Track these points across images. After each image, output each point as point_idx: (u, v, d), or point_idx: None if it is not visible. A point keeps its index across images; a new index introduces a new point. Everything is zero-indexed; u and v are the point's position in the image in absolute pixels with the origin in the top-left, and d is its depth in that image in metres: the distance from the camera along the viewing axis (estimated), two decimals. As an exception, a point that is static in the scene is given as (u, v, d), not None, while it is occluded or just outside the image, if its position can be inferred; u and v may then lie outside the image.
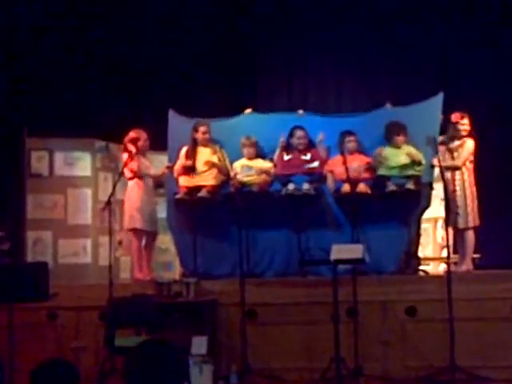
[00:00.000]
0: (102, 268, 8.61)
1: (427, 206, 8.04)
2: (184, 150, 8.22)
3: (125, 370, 6.12)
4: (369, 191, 7.83)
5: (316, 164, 8.11)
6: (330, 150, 8.17)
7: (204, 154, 8.17)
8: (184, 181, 8.15)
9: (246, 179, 8.10)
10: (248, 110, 8.50)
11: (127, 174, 8.20)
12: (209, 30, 10.19)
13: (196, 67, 10.08)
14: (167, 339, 6.62)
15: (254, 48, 10.45)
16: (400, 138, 7.92)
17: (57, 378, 3.74)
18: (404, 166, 7.84)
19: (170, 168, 8.26)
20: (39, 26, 9.66)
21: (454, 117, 7.98)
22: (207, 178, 8.14)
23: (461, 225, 7.80)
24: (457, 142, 7.99)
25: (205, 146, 8.22)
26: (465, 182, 7.83)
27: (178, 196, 8.14)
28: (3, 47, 9.43)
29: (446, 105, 8.02)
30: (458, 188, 7.82)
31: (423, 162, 7.82)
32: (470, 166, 7.90)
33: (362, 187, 7.78)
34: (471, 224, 7.81)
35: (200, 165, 8.15)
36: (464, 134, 7.94)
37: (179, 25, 10.07)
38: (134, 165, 8.17)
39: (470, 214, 7.76)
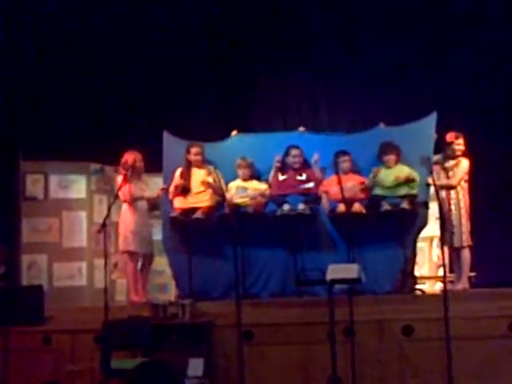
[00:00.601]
0: (97, 291, 8.60)
1: (424, 224, 8.04)
2: (178, 171, 8.23)
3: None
4: (364, 211, 7.83)
5: (311, 185, 8.13)
6: (325, 171, 8.18)
7: (199, 175, 8.18)
8: (179, 202, 8.15)
9: (240, 200, 8.10)
10: (234, 132, 8.53)
11: (122, 196, 8.18)
12: (204, 51, 10.21)
13: (191, 88, 10.09)
14: (164, 361, 6.64)
15: (250, 69, 10.48)
16: (392, 158, 7.95)
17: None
18: (397, 186, 7.85)
19: (165, 190, 8.26)
20: (34, 48, 9.70)
21: (449, 137, 8.04)
22: (202, 200, 8.14)
23: (456, 243, 7.82)
24: (452, 162, 8.03)
25: (199, 167, 8.23)
26: (460, 201, 7.86)
27: (172, 214, 8.13)
28: (-2, 70, 9.48)
29: (441, 124, 8.05)
30: (453, 207, 7.85)
31: (417, 178, 7.84)
32: (465, 185, 7.92)
33: (357, 207, 7.78)
34: (466, 243, 7.82)
35: (194, 186, 8.16)
36: (459, 153, 7.99)
37: (174, 46, 10.09)
38: (128, 187, 8.16)
39: (464, 232, 7.79)
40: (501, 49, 9.50)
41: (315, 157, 8.14)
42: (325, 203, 8.02)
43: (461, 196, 7.86)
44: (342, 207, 7.71)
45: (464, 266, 7.83)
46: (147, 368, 5.69)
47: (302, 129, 8.51)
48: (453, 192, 7.91)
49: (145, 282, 8.32)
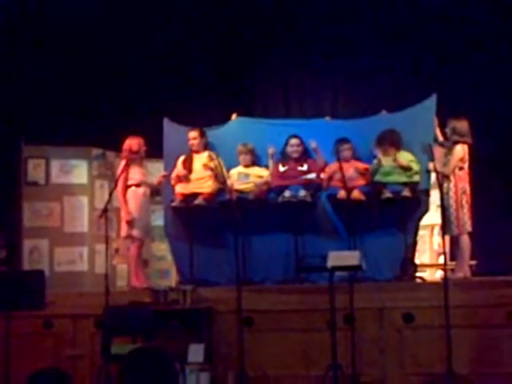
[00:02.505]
0: (98, 276, 8.61)
1: (425, 212, 8.03)
2: (181, 159, 8.23)
3: (119, 376, 6.13)
4: (363, 198, 7.83)
5: (313, 175, 8.11)
6: (327, 157, 8.18)
7: (200, 161, 8.18)
8: (180, 188, 8.16)
9: (242, 187, 8.10)
10: (234, 116, 8.51)
11: (123, 183, 8.16)
12: (206, 41, 10.20)
13: (192, 75, 10.08)
14: (157, 347, 6.64)
15: (252, 53, 10.46)
16: (390, 149, 7.92)
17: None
18: (397, 173, 7.84)
19: (166, 176, 8.26)
20: (36, 36, 9.68)
21: (451, 119, 7.97)
22: (203, 186, 8.15)
23: (453, 231, 7.78)
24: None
25: (198, 152, 8.23)
26: (450, 190, 7.79)
27: (173, 204, 8.14)
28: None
29: (446, 109, 8.04)
30: (447, 195, 7.77)
31: (415, 167, 7.83)
32: (460, 172, 7.83)
33: (356, 194, 7.77)
34: (456, 231, 7.76)
35: (196, 172, 8.16)
36: (456, 138, 7.88)
37: (174, 33, 10.08)
38: (132, 173, 8.16)
39: (454, 221, 7.72)
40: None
41: (312, 144, 8.12)
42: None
43: (451, 185, 7.79)
44: (342, 193, 7.70)
45: (464, 253, 7.79)
46: (141, 353, 5.69)
47: (328, 118, 8.52)
48: (446, 180, 7.85)
49: (142, 267, 8.33)
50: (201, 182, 8.17)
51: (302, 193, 7.92)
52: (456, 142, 7.85)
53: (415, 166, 7.88)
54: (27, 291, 6.75)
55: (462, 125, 7.87)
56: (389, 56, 9.80)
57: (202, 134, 8.29)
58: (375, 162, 8.00)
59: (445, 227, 7.30)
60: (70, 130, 9.35)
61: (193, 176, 8.17)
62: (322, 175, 8.12)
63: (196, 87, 10.01)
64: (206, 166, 8.10)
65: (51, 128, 9.40)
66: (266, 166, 8.26)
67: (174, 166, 8.26)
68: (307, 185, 8.03)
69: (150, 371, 5.43)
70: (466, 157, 7.86)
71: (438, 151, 8.01)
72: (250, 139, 8.32)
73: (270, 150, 8.17)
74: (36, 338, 7.46)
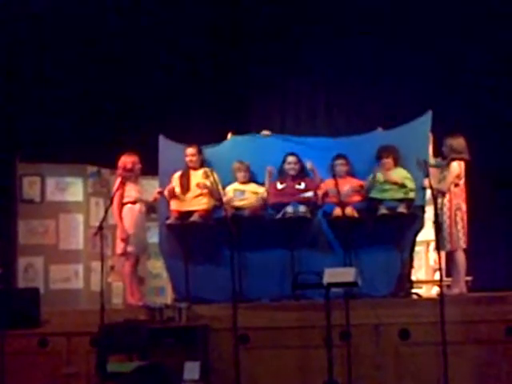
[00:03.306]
0: (93, 293, 8.59)
1: (420, 228, 8.03)
2: (178, 174, 8.23)
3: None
4: (356, 215, 7.83)
5: (310, 194, 8.11)
6: (323, 175, 8.19)
7: (195, 178, 8.18)
8: (176, 205, 8.15)
9: (239, 203, 8.10)
10: (229, 135, 8.53)
11: (118, 200, 8.15)
12: (201, 55, 10.23)
13: (188, 92, 10.11)
14: (160, 365, 6.62)
15: (247, 74, 10.51)
16: (388, 161, 7.96)
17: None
18: (393, 189, 7.85)
19: (162, 193, 8.26)
20: (31, 50, 9.70)
21: (447, 138, 7.99)
22: (199, 203, 8.15)
23: (447, 247, 7.79)
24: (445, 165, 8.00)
25: (195, 169, 8.24)
26: (444, 205, 7.79)
27: (169, 221, 8.14)
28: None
29: (442, 126, 8.05)
30: (439, 211, 7.77)
31: (409, 185, 7.84)
32: (456, 189, 7.84)
33: (348, 211, 7.77)
34: (449, 247, 7.75)
35: (192, 189, 8.16)
36: (453, 155, 7.91)
37: (171, 50, 10.11)
38: (127, 190, 8.16)
39: (447, 237, 7.72)
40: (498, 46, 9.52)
41: (308, 165, 8.14)
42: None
43: (446, 201, 7.80)
44: (338, 211, 7.71)
45: (459, 269, 7.78)
46: (143, 372, 5.65)
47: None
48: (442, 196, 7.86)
49: (138, 284, 8.32)
50: (197, 199, 8.16)
51: (303, 209, 7.93)
52: (453, 159, 7.87)
53: (409, 184, 7.88)
54: (22, 309, 6.74)
55: (459, 142, 7.90)
56: (383, 73, 9.85)
57: (200, 151, 8.31)
58: (370, 178, 8.01)
59: (438, 243, 7.30)
60: (64, 148, 9.36)
61: (189, 193, 8.16)
62: (318, 192, 8.13)
63: (191, 104, 10.03)
64: (199, 186, 8.09)
65: (46, 145, 9.40)
66: (262, 184, 8.26)
67: (169, 182, 8.26)
68: (305, 203, 8.03)
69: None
70: (463, 173, 7.88)
71: (433, 168, 8.03)
72: (245, 156, 8.33)
73: (269, 169, 8.17)
74: (31, 356, 7.43)
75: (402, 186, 7.86)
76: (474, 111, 9.48)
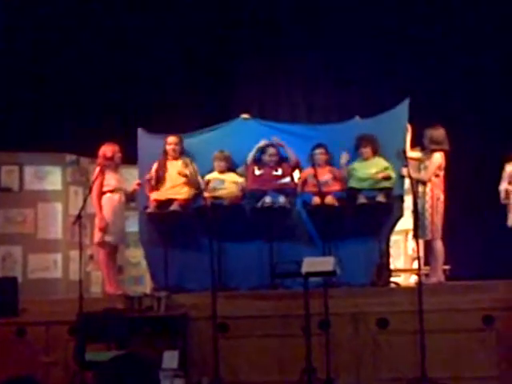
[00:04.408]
0: (72, 283, 8.57)
1: (399, 217, 8.06)
2: (155, 165, 8.21)
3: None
4: (336, 203, 7.84)
5: (287, 180, 8.14)
6: (302, 162, 8.20)
7: (175, 167, 8.17)
8: (155, 194, 8.13)
9: (217, 193, 8.08)
10: (245, 115, 8.50)
11: (98, 188, 8.12)
12: (181, 46, 10.20)
13: (167, 82, 10.07)
14: (138, 354, 6.61)
15: (228, 62, 10.48)
16: (366, 150, 7.98)
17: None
18: (374, 179, 7.87)
19: (140, 185, 8.24)
20: (7, 40, 9.62)
21: (427, 129, 8.02)
22: (179, 192, 8.13)
23: (427, 236, 7.83)
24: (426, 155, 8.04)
25: (175, 158, 8.22)
26: (426, 194, 7.84)
27: (149, 210, 8.12)
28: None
29: (420, 116, 8.09)
30: (422, 200, 7.82)
31: (392, 175, 7.87)
32: (436, 179, 7.88)
33: (329, 199, 7.78)
34: (429, 236, 7.79)
35: (171, 178, 8.14)
36: (432, 146, 7.95)
37: (152, 39, 10.07)
38: (107, 179, 8.13)
39: (428, 226, 7.77)
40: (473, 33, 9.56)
41: (275, 140, 8.13)
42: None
43: (428, 190, 7.84)
44: (317, 200, 7.72)
45: (437, 258, 7.84)
46: (121, 361, 5.65)
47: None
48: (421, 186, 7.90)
49: (115, 272, 8.30)
50: (176, 188, 8.14)
51: (282, 199, 7.94)
52: (433, 150, 7.90)
53: (392, 174, 7.90)
54: (0, 298, 6.71)
55: (439, 133, 7.93)
56: (363, 61, 9.87)
57: (181, 141, 8.29)
58: (350, 167, 8.03)
59: (417, 231, 7.34)
60: (43, 136, 9.30)
61: (168, 182, 8.14)
62: (296, 178, 8.14)
63: (171, 94, 10.00)
64: (180, 174, 8.08)
65: (24, 134, 9.34)
66: (241, 171, 8.25)
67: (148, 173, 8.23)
68: (282, 189, 8.04)
69: (131, 378, 5.37)
70: (443, 164, 7.92)
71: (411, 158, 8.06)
72: (225, 142, 8.31)
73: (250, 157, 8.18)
74: (9, 345, 7.41)
75: (388, 178, 7.86)
76: (451, 100, 9.51)
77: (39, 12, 9.62)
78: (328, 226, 7.73)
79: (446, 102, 9.48)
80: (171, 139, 8.25)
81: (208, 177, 8.20)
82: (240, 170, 8.27)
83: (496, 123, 9.34)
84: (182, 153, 8.29)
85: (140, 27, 9.99)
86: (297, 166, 8.20)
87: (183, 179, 8.12)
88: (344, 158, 8.06)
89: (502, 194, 8.24)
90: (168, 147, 8.23)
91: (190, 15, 10.11)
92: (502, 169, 8.29)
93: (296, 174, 8.26)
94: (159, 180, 8.13)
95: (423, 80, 9.54)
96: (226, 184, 8.14)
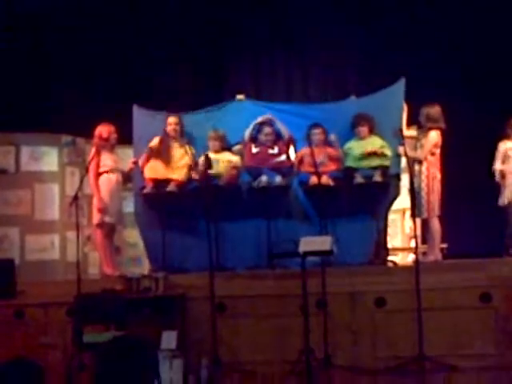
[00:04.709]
0: (70, 264, 8.57)
1: (396, 196, 8.06)
2: (156, 139, 8.17)
3: (95, 365, 6.10)
4: (331, 183, 7.83)
5: (283, 157, 8.14)
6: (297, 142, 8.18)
7: (175, 149, 8.14)
8: (152, 172, 8.10)
9: (212, 172, 8.04)
10: (240, 96, 8.46)
11: (95, 169, 8.10)
12: (176, 27, 10.16)
13: (162, 60, 10.04)
14: (137, 335, 6.63)
15: (222, 37, 10.44)
16: (363, 129, 7.97)
17: (20, 375, 3.71)
18: (369, 157, 7.85)
19: (136, 163, 8.22)
20: (6, 21, 9.58)
21: (424, 107, 7.99)
22: (177, 173, 8.11)
23: (423, 215, 7.84)
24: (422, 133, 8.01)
25: (175, 138, 8.19)
26: (422, 173, 7.83)
27: (145, 191, 8.10)
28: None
29: (417, 95, 8.06)
30: (415, 179, 7.81)
31: (388, 153, 7.85)
32: (432, 158, 7.86)
33: (324, 179, 7.76)
34: (425, 215, 7.80)
35: (169, 157, 8.11)
36: (429, 125, 7.92)
37: (147, 25, 10.03)
38: (103, 159, 8.11)
39: (424, 204, 7.77)
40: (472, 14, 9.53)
41: (268, 116, 8.11)
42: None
43: (424, 169, 7.83)
44: (314, 179, 7.70)
45: (434, 237, 7.85)
46: (119, 342, 5.67)
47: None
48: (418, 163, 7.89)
49: (113, 253, 8.30)
50: (174, 169, 8.13)
51: (278, 178, 7.93)
52: (430, 128, 7.88)
53: (388, 152, 7.89)
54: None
55: (435, 111, 7.91)
56: (359, 40, 9.83)
57: (181, 121, 8.26)
58: (346, 146, 8.01)
59: (414, 210, 7.34)
60: (39, 117, 9.27)
61: (166, 162, 8.11)
62: (292, 157, 8.12)
63: (166, 73, 9.95)
64: (185, 165, 8.06)
65: (20, 114, 9.30)
66: (236, 149, 8.23)
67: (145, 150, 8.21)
68: (279, 168, 8.02)
69: (130, 359, 5.38)
70: (440, 142, 7.90)
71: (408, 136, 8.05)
72: (220, 123, 8.28)
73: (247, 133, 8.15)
74: (7, 327, 7.40)
75: (382, 154, 7.85)
76: (447, 78, 9.49)
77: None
78: (325, 206, 7.73)
79: (442, 80, 9.43)
80: (171, 119, 8.23)
81: (202, 156, 8.17)
82: (236, 148, 8.26)
83: (491, 101, 9.31)
84: (182, 133, 8.26)
85: (136, 11, 9.93)
86: (290, 141, 8.19)
87: (183, 161, 8.10)
88: (333, 137, 8.03)
89: (497, 174, 8.24)
90: (168, 127, 8.21)
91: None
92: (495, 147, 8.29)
93: (292, 152, 8.24)
94: (160, 153, 8.08)
95: (418, 58, 9.51)
96: (220, 164, 8.12)
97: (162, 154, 8.14)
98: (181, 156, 8.14)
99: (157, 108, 8.45)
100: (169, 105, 8.72)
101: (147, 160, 8.13)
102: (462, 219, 9.07)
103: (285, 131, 8.16)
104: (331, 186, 7.80)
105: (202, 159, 7.99)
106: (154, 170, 8.13)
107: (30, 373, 3.63)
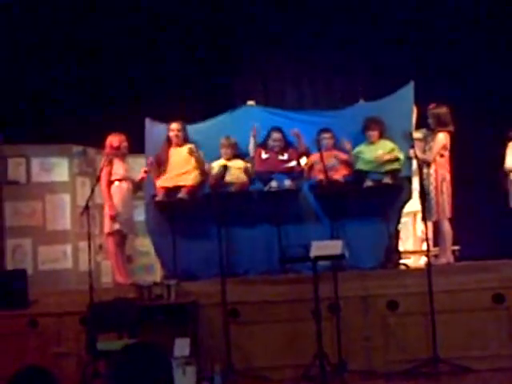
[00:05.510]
0: (82, 273, 8.57)
1: (408, 199, 8.04)
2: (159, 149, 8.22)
3: (108, 374, 6.08)
4: (341, 179, 7.81)
5: (293, 163, 8.13)
6: (309, 149, 8.18)
7: (180, 154, 8.16)
8: (162, 181, 8.13)
9: (224, 180, 8.06)
10: (250, 102, 8.47)
11: (107, 178, 8.13)
12: (185, 35, 10.19)
13: (172, 71, 10.07)
14: (150, 343, 6.62)
15: (231, 46, 10.46)
16: (374, 133, 7.95)
17: (34, 385, 3.71)
18: (380, 161, 7.85)
19: (148, 172, 8.24)
20: (15, 32, 9.62)
21: (431, 107, 7.99)
22: (186, 179, 8.13)
23: (433, 217, 7.82)
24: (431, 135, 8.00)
25: (179, 145, 8.21)
26: (430, 175, 7.81)
27: (157, 198, 8.12)
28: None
29: (426, 97, 8.05)
30: (428, 182, 7.80)
31: (400, 156, 7.85)
32: (441, 159, 7.86)
33: (336, 176, 7.76)
34: (435, 217, 7.79)
35: (178, 165, 8.14)
36: (438, 127, 7.90)
37: (155, 35, 10.07)
38: (115, 168, 8.14)
39: (433, 207, 7.75)
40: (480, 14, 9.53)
41: (294, 131, 8.09)
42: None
43: (432, 171, 7.82)
44: (325, 182, 7.69)
45: (445, 239, 7.83)
46: (133, 350, 5.65)
47: None
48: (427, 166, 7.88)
49: (124, 262, 8.32)
50: (183, 175, 8.14)
51: (288, 182, 7.93)
52: (438, 130, 7.87)
53: (400, 154, 7.87)
54: (9, 291, 6.73)
55: (444, 112, 7.90)
56: (366, 45, 9.84)
57: (184, 127, 8.28)
58: (356, 150, 8.01)
59: (425, 213, 7.32)
60: (49, 128, 9.30)
61: (174, 170, 8.13)
62: (303, 164, 8.12)
63: (176, 83, 9.98)
64: (190, 150, 8.04)
65: (30, 126, 9.34)
66: (250, 159, 8.23)
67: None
68: (289, 172, 8.03)
69: (144, 367, 5.36)
70: (448, 144, 7.89)
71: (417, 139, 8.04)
72: (231, 130, 8.28)
73: (255, 127, 8.14)
74: (21, 337, 7.42)
75: (395, 159, 7.84)
76: (455, 81, 9.48)
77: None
78: (336, 209, 7.73)
79: (451, 82, 9.43)
80: (174, 125, 8.24)
81: (214, 164, 8.18)
82: (249, 157, 8.26)
83: (502, 102, 9.30)
84: (186, 140, 8.28)
85: (143, 21, 9.97)
86: (305, 153, 8.16)
87: (190, 166, 8.11)
88: (347, 144, 8.03)
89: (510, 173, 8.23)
90: (171, 133, 8.23)
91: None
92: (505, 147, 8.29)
93: (303, 160, 8.23)
94: (160, 164, 8.11)
95: (428, 60, 9.51)
96: (232, 171, 8.13)
97: (162, 162, 8.15)
98: (186, 161, 8.14)
99: (166, 116, 8.46)
100: (178, 113, 8.74)
101: (154, 176, 8.15)
102: (474, 221, 9.04)
103: (302, 145, 8.14)
104: (342, 188, 7.78)
105: (217, 167, 8.00)
106: (164, 179, 8.15)
107: (45, 382, 3.62)
